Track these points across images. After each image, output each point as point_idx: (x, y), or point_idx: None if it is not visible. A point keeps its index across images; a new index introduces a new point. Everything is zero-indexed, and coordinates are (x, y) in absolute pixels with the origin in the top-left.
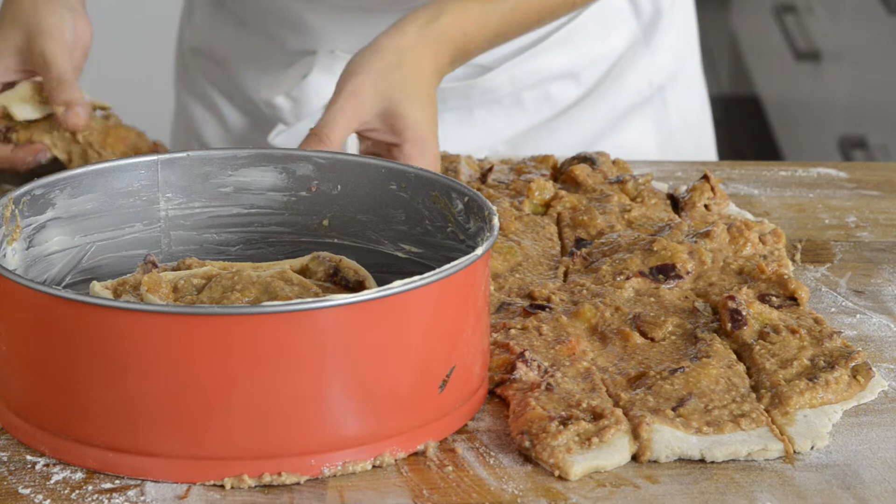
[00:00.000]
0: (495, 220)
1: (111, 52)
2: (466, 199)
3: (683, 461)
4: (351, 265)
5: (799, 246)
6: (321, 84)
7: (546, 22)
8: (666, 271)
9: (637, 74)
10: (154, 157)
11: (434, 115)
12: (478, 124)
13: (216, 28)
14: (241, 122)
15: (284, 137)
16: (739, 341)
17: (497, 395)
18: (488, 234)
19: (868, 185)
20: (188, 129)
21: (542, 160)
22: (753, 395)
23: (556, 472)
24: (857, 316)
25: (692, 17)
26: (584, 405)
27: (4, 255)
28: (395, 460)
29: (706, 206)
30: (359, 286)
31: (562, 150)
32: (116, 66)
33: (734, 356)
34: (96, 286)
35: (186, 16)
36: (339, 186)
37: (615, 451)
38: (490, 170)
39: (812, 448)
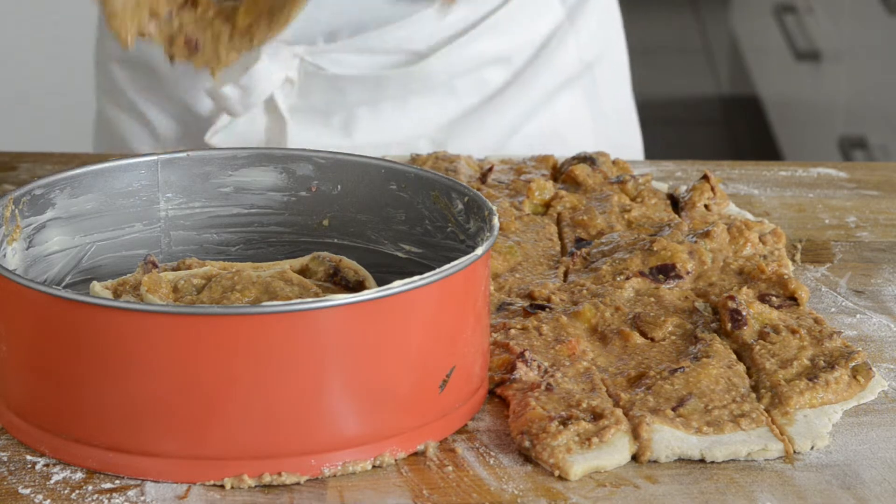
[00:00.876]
0: (495, 220)
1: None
2: (466, 199)
3: (683, 461)
4: (351, 265)
5: (799, 246)
6: (270, 72)
7: None
8: (666, 271)
9: (566, 53)
10: (154, 157)
11: None
12: (412, 112)
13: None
14: (173, 129)
15: (222, 136)
16: (739, 341)
17: (497, 395)
18: (488, 234)
19: (868, 185)
20: (114, 141)
21: (542, 160)
22: (753, 395)
23: (556, 472)
24: (857, 316)
25: (615, 8)
26: (584, 405)
27: (4, 255)
28: (395, 460)
29: (706, 206)
30: (359, 286)
31: (495, 133)
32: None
33: (734, 356)
34: (96, 286)
35: (102, 31)
36: (339, 186)
37: (615, 451)
38: (490, 170)
39: (812, 448)
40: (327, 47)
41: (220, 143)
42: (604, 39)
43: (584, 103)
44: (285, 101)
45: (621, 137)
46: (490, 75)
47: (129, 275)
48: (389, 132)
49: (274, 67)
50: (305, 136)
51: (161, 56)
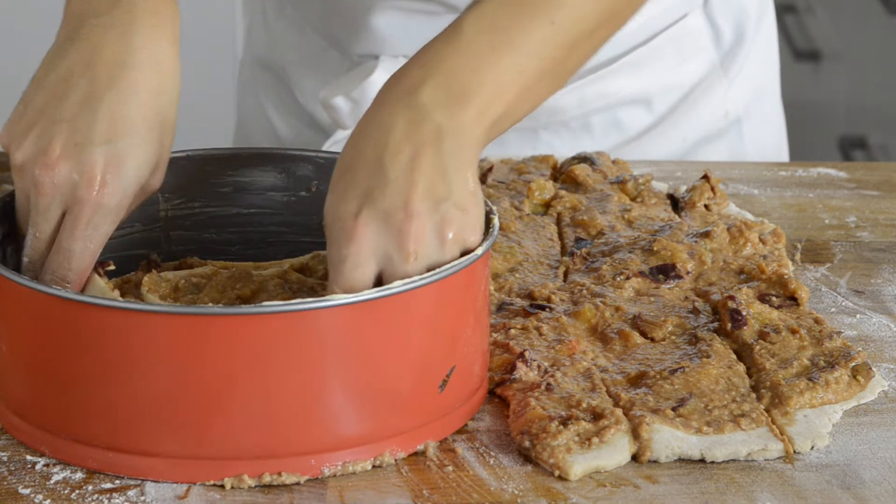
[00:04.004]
0: (495, 220)
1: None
2: None
3: (683, 461)
4: None
5: (799, 246)
6: None
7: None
8: (666, 271)
9: (713, 104)
10: None
11: None
12: (542, 146)
13: (277, 37)
14: (294, 137)
15: (338, 149)
16: (739, 341)
17: (497, 395)
18: (488, 234)
19: (868, 185)
20: (245, 140)
21: (542, 160)
22: (753, 395)
23: (556, 472)
24: (857, 316)
25: (774, 45)
26: (584, 405)
27: (4, 255)
28: (395, 460)
29: (706, 206)
30: None
31: None
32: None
33: (734, 356)
34: (98, 282)
35: (248, 30)
36: None
37: (615, 451)
38: (490, 170)
39: (812, 448)
40: None
41: None
42: (757, 91)
43: (728, 160)
44: None
45: (771, 144)
46: (628, 116)
47: (131, 273)
48: None
49: None
50: None
51: (291, 59)
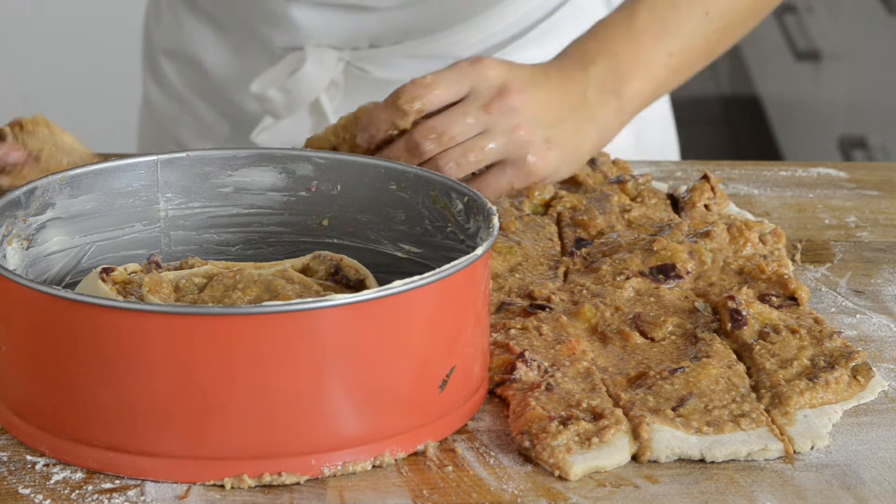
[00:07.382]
0: (495, 220)
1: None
2: (466, 199)
3: (683, 461)
4: (352, 264)
5: (799, 246)
6: (315, 76)
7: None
8: (666, 271)
9: None
10: (154, 157)
11: None
12: None
13: (190, 30)
14: (220, 123)
15: (267, 136)
16: (739, 341)
17: (497, 395)
18: (488, 234)
19: (868, 185)
20: (162, 129)
21: None
22: (753, 395)
23: (556, 472)
24: (857, 316)
25: None
26: (584, 405)
27: (4, 255)
28: (395, 460)
29: (706, 206)
30: (360, 285)
31: None
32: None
33: (734, 356)
34: (102, 287)
35: (154, 18)
36: (338, 186)
37: (615, 451)
38: None
39: (812, 448)
40: (372, 52)
41: (266, 142)
42: None
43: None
44: (330, 103)
45: (659, 141)
46: None
47: (133, 273)
48: None
49: (319, 72)
50: None
51: (207, 51)
